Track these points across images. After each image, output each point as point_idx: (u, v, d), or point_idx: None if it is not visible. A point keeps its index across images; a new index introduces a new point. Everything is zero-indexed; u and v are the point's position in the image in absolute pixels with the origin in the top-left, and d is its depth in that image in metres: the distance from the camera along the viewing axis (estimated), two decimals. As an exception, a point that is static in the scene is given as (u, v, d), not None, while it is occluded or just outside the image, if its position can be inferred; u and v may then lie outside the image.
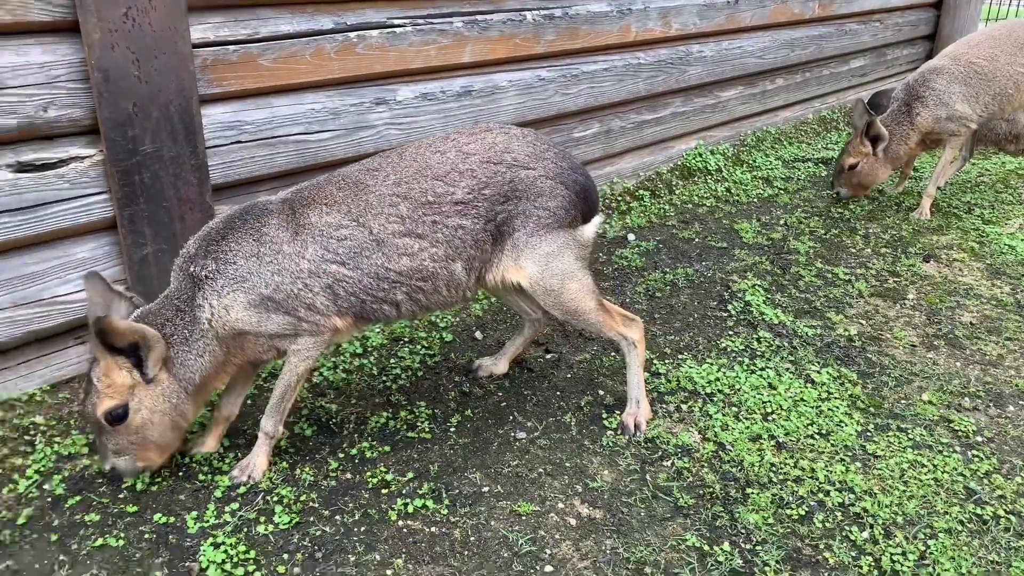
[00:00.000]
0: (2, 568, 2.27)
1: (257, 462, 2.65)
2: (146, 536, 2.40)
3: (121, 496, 2.55)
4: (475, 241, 2.65)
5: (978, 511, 2.60)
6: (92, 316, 2.39)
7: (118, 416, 2.42)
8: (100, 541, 2.37)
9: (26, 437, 2.78)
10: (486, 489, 2.65)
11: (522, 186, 2.67)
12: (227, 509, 2.49)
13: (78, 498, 2.53)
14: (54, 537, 2.38)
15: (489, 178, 2.65)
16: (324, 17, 3.45)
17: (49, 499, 2.53)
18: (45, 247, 2.87)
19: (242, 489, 2.58)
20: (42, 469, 2.64)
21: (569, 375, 3.33)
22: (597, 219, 2.89)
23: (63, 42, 2.71)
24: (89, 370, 2.41)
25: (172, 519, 2.46)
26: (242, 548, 2.34)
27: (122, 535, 2.40)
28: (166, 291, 2.55)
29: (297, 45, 3.35)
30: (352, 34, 3.53)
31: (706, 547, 2.43)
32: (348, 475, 2.69)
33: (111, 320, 2.30)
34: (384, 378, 3.26)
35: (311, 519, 2.48)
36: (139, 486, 2.58)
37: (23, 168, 2.72)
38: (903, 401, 3.21)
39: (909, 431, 3.01)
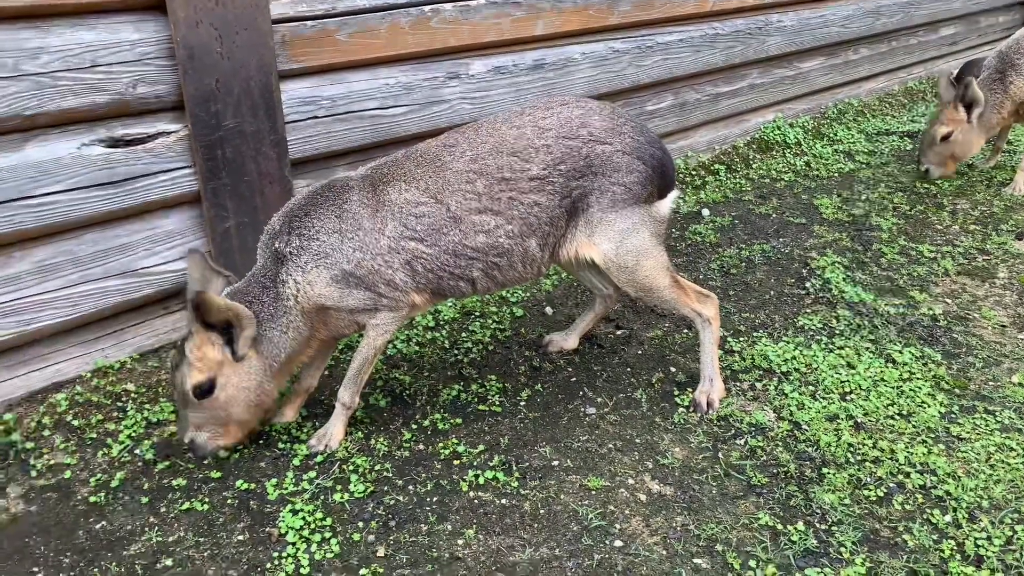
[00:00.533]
0: (98, 528, 2.40)
1: (334, 432, 2.72)
2: (228, 501, 2.50)
3: (206, 463, 2.66)
4: (550, 218, 2.64)
5: (1071, 499, 2.49)
6: (191, 291, 2.48)
7: (206, 390, 2.48)
8: (186, 505, 2.48)
9: (118, 403, 2.93)
10: (556, 463, 2.66)
11: (598, 161, 2.64)
12: (305, 477, 2.57)
13: (166, 463, 2.65)
14: (144, 500, 2.50)
15: (565, 153, 2.62)
16: (398, -8, 3.47)
17: (140, 463, 2.66)
18: (134, 220, 2.99)
19: (319, 458, 2.66)
20: (133, 434, 2.77)
21: (640, 351, 3.30)
22: (673, 194, 2.84)
23: (151, 20, 2.80)
24: (182, 342, 2.50)
25: (253, 486, 2.55)
26: (319, 515, 2.42)
27: (207, 500, 2.50)
28: (253, 269, 2.61)
29: (373, 20, 3.38)
30: (427, 8, 3.54)
31: (779, 526, 2.39)
32: (421, 446, 2.74)
33: (209, 296, 2.36)
34: (456, 351, 3.30)
35: (385, 488, 2.54)
36: (222, 453, 2.68)
37: (114, 143, 2.83)
38: (991, 383, 3.08)
39: (997, 413, 2.89)
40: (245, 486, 2.55)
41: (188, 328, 2.48)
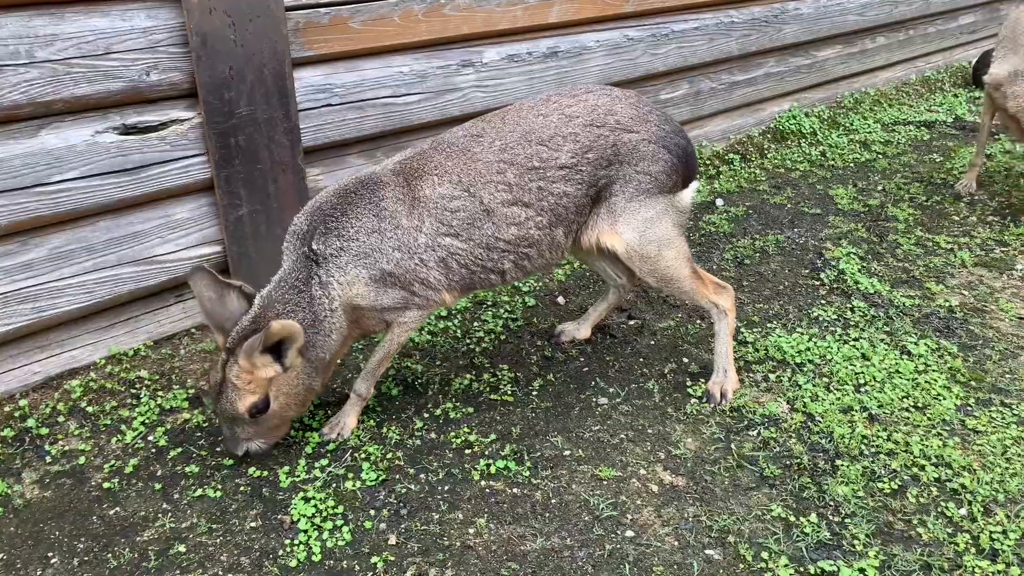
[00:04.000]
0: (111, 514, 2.41)
1: (347, 421, 2.72)
2: (241, 488, 2.51)
3: (219, 450, 2.67)
4: (576, 207, 2.63)
5: (1089, 494, 2.46)
6: (209, 313, 2.42)
7: (261, 409, 2.45)
8: (199, 491, 2.49)
9: (132, 390, 2.94)
10: (567, 453, 2.65)
11: (625, 150, 2.62)
12: (317, 465, 2.58)
13: (179, 450, 2.67)
14: (158, 486, 2.52)
15: (592, 142, 2.60)
16: (412, -21, 3.45)
17: (153, 450, 2.67)
18: (147, 207, 3.00)
19: (331, 446, 2.66)
20: (147, 421, 2.79)
21: (652, 342, 3.29)
22: (695, 184, 2.82)
23: (164, 7, 2.80)
24: (222, 366, 2.40)
25: (265, 473, 2.56)
26: (331, 503, 2.43)
27: (219, 487, 2.51)
28: (279, 273, 2.51)
29: (386, 7, 3.37)
30: (439, -4, 3.53)
31: (792, 518, 2.38)
32: (433, 435, 2.74)
33: (275, 326, 2.27)
34: (468, 341, 3.29)
35: (397, 476, 2.55)
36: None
37: (128, 131, 2.84)
38: (1008, 375, 3.05)
39: (1014, 407, 2.86)
40: (257, 473, 2.56)
41: (227, 353, 2.39)
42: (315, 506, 2.41)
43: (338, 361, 2.73)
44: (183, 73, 2.88)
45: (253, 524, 2.37)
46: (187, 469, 2.58)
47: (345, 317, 2.54)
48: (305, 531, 2.33)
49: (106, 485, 2.51)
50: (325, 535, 2.31)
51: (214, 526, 2.36)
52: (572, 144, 2.59)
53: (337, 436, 2.70)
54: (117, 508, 2.44)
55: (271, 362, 2.39)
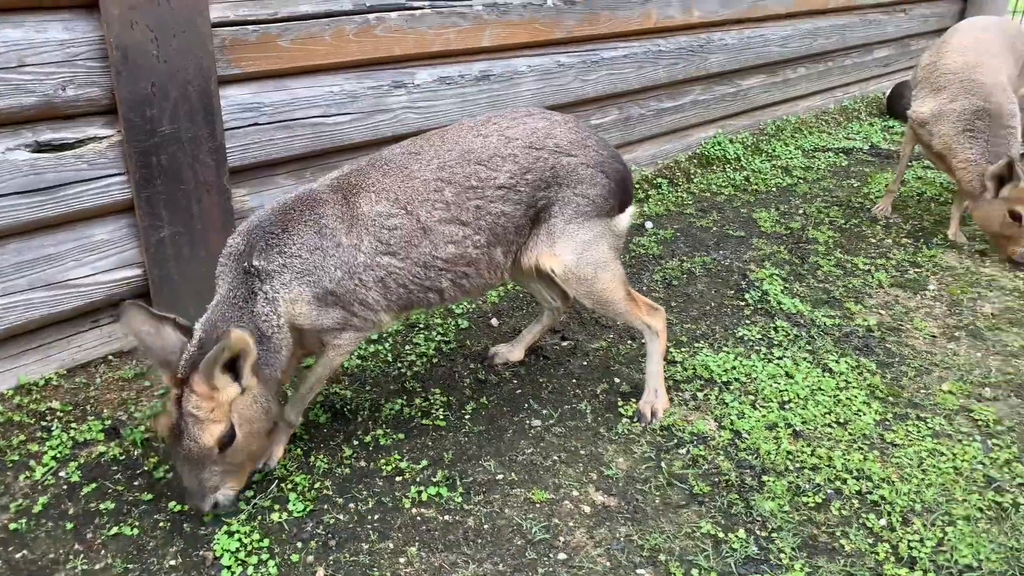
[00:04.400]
0: (18, 557, 2.27)
1: (274, 450, 2.63)
2: (160, 524, 2.40)
3: (136, 484, 2.56)
4: (515, 227, 2.63)
5: (997, 499, 2.56)
6: (151, 349, 2.25)
7: (229, 439, 2.26)
8: (115, 529, 2.37)
9: (43, 423, 2.80)
10: (500, 477, 2.63)
11: (563, 172, 2.64)
12: (241, 497, 2.49)
13: (93, 486, 2.53)
14: (69, 525, 2.38)
15: (531, 163, 2.61)
16: None
17: (65, 486, 2.53)
18: (63, 229, 2.87)
19: (257, 477, 2.58)
20: (58, 456, 2.64)
21: (585, 363, 3.31)
22: (631, 209, 2.86)
23: (82, 19, 2.71)
24: (176, 403, 2.21)
25: (186, 507, 2.45)
26: (256, 536, 2.34)
27: (137, 523, 2.40)
28: (217, 297, 2.40)
29: (316, 26, 3.33)
30: (371, 16, 3.51)
31: (721, 534, 2.41)
32: (362, 463, 2.68)
33: (233, 335, 2.13)
34: (399, 364, 3.25)
35: (325, 507, 2.48)
36: (157, 474, 2.58)
37: (41, 148, 2.72)
38: (922, 391, 3.17)
39: (928, 420, 2.97)
40: (178, 508, 2.45)
41: (176, 383, 2.22)
42: (239, 540, 2.32)
43: (284, 386, 2.64)
44: (102, 89, 2.79)
45: (173, 562, 2.27)
46: (102, 506, 2.45)
47: (293, 333, 2.47)
48: (228, 567, 2.23)
49: (12, 526, 2.36)
50: (250, 570, 2.23)
51: (130, 566, 2.25)
52: (511, 165, 2.59)
53: (263, 466, 2.61)
54: (24, 551, 2.29)
55: (231, 381, 2.25)
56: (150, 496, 2.50)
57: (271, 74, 3.27)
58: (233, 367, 2.23)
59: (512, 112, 2.75)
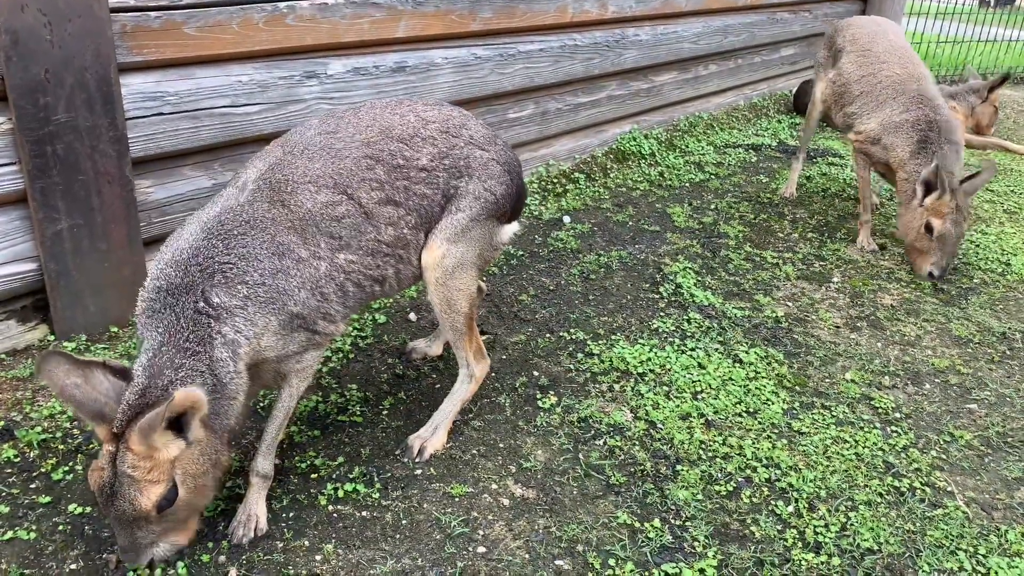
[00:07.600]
0: (-98, 562, 2.14)
1: (257, 511, 2.35)
2: (60, 528, 2.29)
3: (33, 487, 2.43)
4: (431, 214, 2.54)
5: (895, 483, 2.70)
6: (81, 403, 1.94)
7: (170, 499, 2.00)
8: (10, 534, 2.25)
9: (-72, 423, 2.63)
10: (419, 472, 2.61)
11: (476, 164, 2.60)
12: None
13: (-14, 486, 2.40)
14: (-41, 529, 2.25)
15: (448, 149, 2.55)
16: (252, -14, 3.32)
17: (-46, 488, 2.39)
18: (-52, 221, 2.70)
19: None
20: (-54, 457, 2.50)
21: (504, 356, 3.31)
22: (516, 226, 2.83)
23: (-34, 2, 2.55)
24: (111, 462, 1.95)
25: (88, 509, 2.35)
26: (164, 535, 2.25)
27: (34, 527, 2.29)
28: (157, 338, 2.06)
29: (223, 14, 3.22)
30: (282, 4, 3.42)
31: (637, 524, 2.45)
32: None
33: (174, 399, 1.87)
34: (314, 360, 3.18)
35: (237, 506, 2.41)
36: (56, 476, 2.46)
37: (-78, 136, 2.55)
38: (827, 380, 3.30)
39: (832, 409, 3.09)
40: (79, 510, 2.34)
41: (111, 439, 1.95)
42: (145, 542, 2.23)
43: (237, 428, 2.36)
44: (-10, 74, 2.63)
45: (73, 567, 2.17)
46: (-5, 510, 2.33)
47: (248, 374, 2.21)
48: (135, 570, 2.15)
49: None
50: (157, 572, 2.15)
51: (27, 572, 2.14)
52: (431, 147, 2.53)
53: (254, 532, 2.31)
54: (-93, 559, 2.16)
55: (173, 439, 1.97)
56: (48, 499, 2.38)
57: (176, 62, 3.14)
58: (178, 422, 1.97)
59: (423, 100, 2.71)
